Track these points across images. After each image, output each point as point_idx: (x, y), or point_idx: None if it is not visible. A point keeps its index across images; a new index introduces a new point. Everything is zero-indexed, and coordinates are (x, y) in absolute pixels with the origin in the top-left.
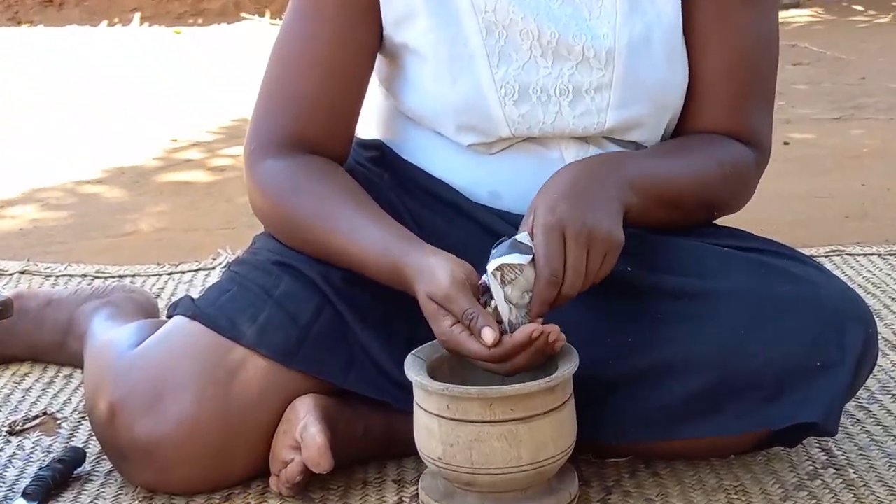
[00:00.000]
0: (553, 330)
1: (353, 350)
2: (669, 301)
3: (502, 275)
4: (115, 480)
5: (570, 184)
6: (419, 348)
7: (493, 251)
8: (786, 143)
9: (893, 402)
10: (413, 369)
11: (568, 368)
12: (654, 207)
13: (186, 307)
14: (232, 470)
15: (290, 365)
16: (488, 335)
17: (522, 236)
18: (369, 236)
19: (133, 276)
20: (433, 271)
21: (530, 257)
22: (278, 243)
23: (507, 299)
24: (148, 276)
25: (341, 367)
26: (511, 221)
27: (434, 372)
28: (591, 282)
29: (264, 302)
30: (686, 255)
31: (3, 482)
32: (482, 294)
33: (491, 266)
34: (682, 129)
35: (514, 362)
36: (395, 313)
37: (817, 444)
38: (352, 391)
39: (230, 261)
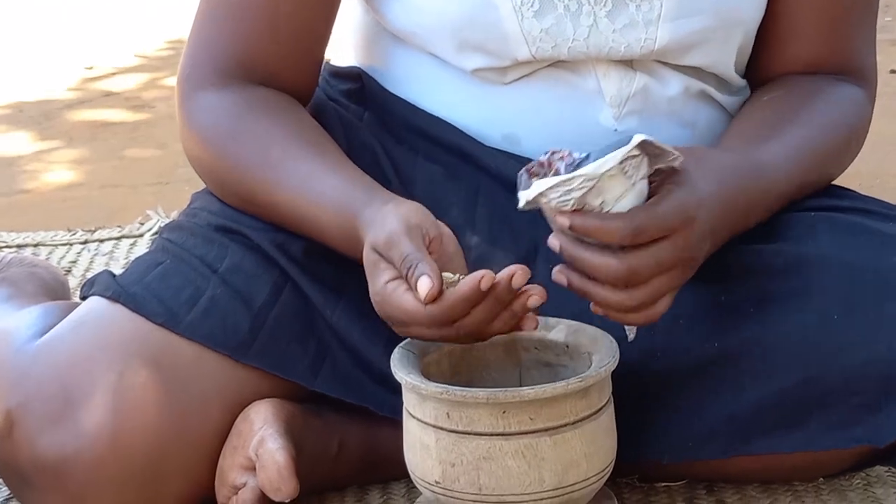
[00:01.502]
0: (518, 272)
1: (324, 340)
2: (740, 277)
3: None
4: None
5: (727, 208)
6: (410, 339)
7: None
8: (893, 72)
9: None
10: (402, 366)
11: (605, 364)
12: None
13: (105, 286)
14: (165, 498)
15: (241, 360)
16: (424, 285)
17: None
18: (326, 188)
19: (36, 245)
20: (384, 218)
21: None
22: (223, 203)
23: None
24: (55, 245)
25: (308, 362)
26: None
27: (430, 370)
28: (635, 302)
29: (206, 279)
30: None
31: None
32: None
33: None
34: (762, 58)
35: (463, 324)
36: None
37: None
38: (323, 394)
39: (162, 226)
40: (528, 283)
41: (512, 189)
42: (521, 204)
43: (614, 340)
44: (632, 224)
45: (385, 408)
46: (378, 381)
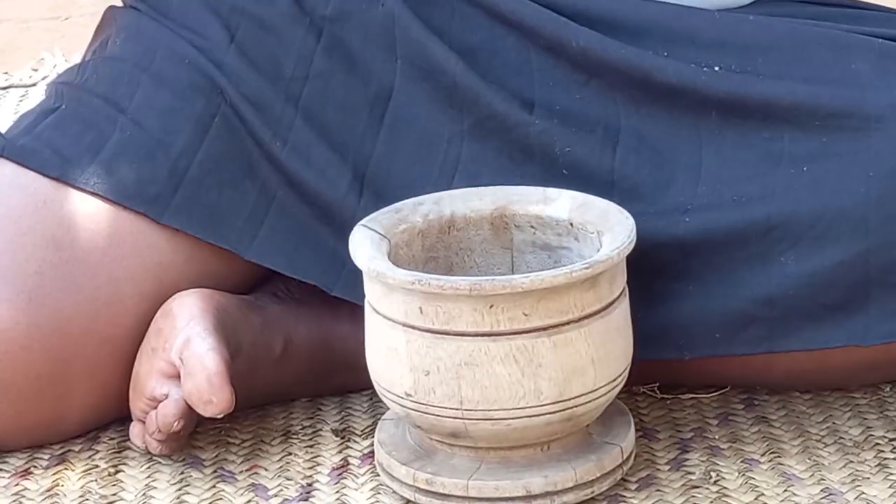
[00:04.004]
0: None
1: (268, 186)
2: (787, 124)
3: None
4: None
5: None
6: (374, 215)
7: None
8: None
9: None
10: (363, 249)
11: (618, 246)
12: None
13: None
14: (67, 410)
15: (160, 219)
16: None
17: None
18: None
19: None
20: None
21: None
22: (136, 14)
23: None
24: None
25: (246, 214)
26: None
27: (398, 254)
28: None
29: (112, 121)
30: (819, 51)
31: None
32: None
33: None
34: None
35: None
36: (349, 119)
37: None
38: (262, 276)
39: (62, 73)
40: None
41: None
42: None
43: (630, 217)
44: None
45: (346, 289)
46: (340, 234)
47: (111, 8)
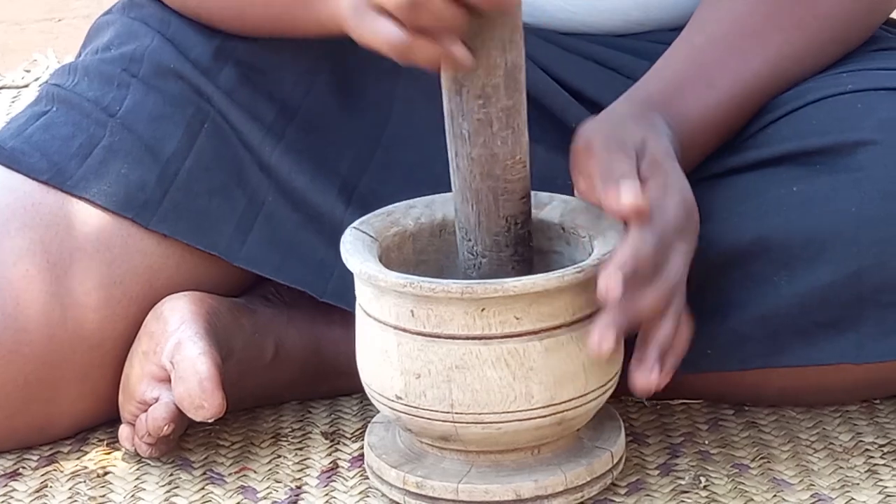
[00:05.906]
0: None
1: (258, 193)
2: (779, 164)
3: None
4: None
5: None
6: (366, 218)
7: None
8: None
9: None
10: (355, 252)
11: (608, 250)
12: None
13: None
14: (56, 414)
15: (148, 225)
16: None
17: None
18: None
19: None
20: None
21: None
22: (129, 21)
23: None
24: None
25: (235, 221)
26: None
27: (389, 256)
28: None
29: (102, 125)
30: (800, 116)
31: None
32: None
33: None
34: None
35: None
36: (344, 137)
37: None
38: (254, 290)
39: (53, 73)
40: None
41: None
42: None
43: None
44: None
45: (335, 294)
46: (329, 242)
47: (106, 12)
